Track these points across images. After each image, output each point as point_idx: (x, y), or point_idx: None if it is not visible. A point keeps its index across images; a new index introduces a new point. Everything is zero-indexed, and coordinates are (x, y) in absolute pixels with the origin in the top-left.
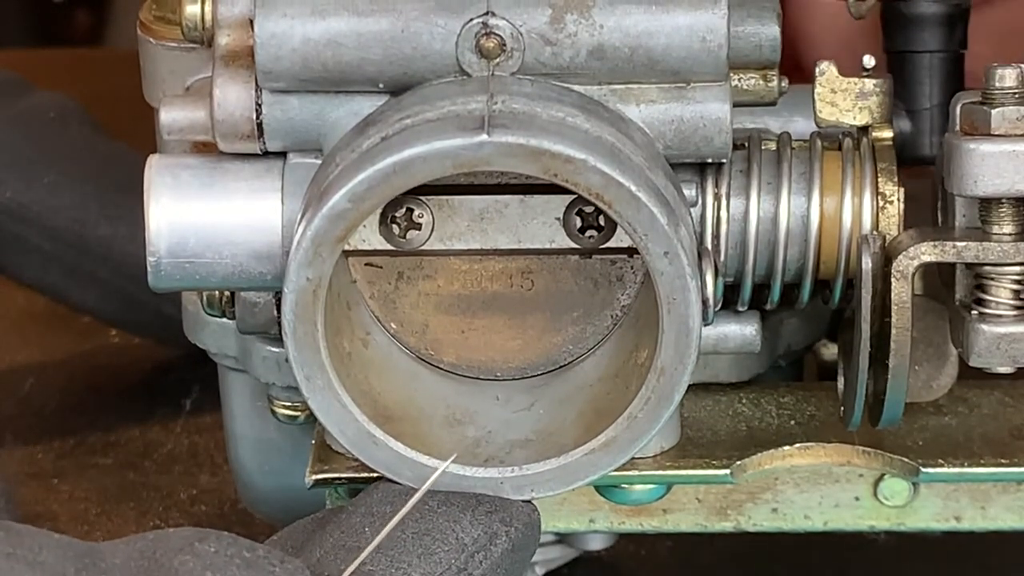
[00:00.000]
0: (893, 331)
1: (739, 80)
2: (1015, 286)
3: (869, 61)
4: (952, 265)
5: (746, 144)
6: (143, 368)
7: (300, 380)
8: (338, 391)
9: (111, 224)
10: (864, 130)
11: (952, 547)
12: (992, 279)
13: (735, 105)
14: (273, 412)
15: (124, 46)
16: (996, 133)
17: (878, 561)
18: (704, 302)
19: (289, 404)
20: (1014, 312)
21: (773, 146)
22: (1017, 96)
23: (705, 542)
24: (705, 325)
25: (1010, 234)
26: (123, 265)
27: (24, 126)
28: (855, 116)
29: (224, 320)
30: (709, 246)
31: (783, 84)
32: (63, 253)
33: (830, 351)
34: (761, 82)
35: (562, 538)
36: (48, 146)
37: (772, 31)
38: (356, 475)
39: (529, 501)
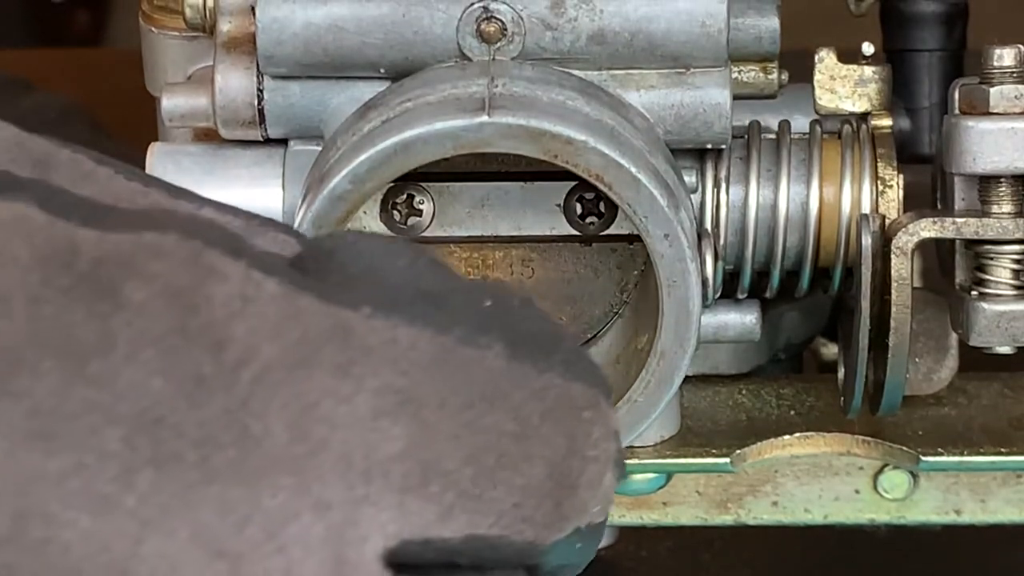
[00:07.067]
0: (893, 309)
1: (739, 72)
2: (1015, 265)
3: (868, 48)
4: (952, 252)
5: (746, 133)
6: None
7: None
8: None
9: None
10: (863, 117)
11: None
12: (991, 258)
13: (735, 98)
14: None
15: (124, 46)
16: (995, 111)
17: (879, 558)
18: (704, 282)
19: None
20: (1014, 291)
21: (773, 135)
22: (1015, 75)
23: (705, 542)
24: (705, 307)
25: (1009, 213)
26: None
27: (24, 126)
28: (854, 103)
29: None
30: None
31: (783, 77)
32: None
33: (830, 351)
34: (761, 74)
35: None
36: None
37: (772, 23)
38: None
39: None
